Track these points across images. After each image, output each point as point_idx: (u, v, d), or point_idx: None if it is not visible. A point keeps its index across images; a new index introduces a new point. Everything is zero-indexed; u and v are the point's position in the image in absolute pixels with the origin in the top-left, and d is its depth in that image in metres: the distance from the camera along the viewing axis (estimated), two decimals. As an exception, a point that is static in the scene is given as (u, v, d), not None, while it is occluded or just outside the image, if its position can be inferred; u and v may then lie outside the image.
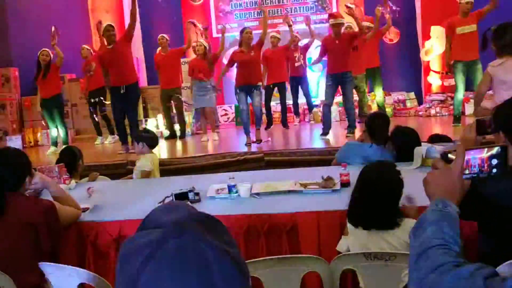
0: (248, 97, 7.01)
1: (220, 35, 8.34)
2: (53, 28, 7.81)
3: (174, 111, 8.82)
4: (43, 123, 8.67)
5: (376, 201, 2.29)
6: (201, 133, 8.44)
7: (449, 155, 1.27)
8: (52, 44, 7.76)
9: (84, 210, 3.07)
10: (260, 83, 7.04)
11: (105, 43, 7.18)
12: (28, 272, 2.43)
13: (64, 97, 9.12)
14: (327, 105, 7.18)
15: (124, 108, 7.07)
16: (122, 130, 7.29)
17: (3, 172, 2.60)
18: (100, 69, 7.58)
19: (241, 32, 7.02)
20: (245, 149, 6.59)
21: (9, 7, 9.71)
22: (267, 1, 10.85)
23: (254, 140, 6.96)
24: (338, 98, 8.77)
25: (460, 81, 7.02)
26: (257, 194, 3.12)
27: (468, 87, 7.32)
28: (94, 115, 8.71)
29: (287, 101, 8.87)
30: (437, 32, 9.41)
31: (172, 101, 8.67)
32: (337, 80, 7.02)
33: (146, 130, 5.40)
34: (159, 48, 8.87)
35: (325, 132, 7.10)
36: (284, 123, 8.86)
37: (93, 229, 2.94)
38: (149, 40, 9.21)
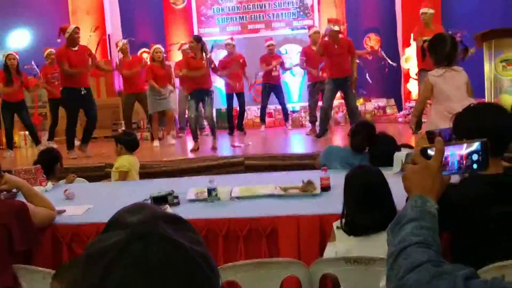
0: (200, 105, 7.14)
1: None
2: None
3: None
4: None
5: (377, 205, 2.29)
6: (162, 137, 8.49)
7: (429, 151, 1.26)
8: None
9: (60, 212, 3.01)
10: (212, 88, 7.16)
11: (69, 45, 6.97)
12: (1, 274, 2.38)
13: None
14: (325, 108, 7.23)
15: (83, 109, 7.08)
16: (73, 134, 7.25)
17: None
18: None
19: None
20: (226, 153, 6.59)
21: None
22: (249, 6, 10.85)
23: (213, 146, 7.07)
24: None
25: None
26: (237, 197, 3.10)
27: None
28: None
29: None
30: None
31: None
32: (338, 85, 7.08)
33: (128, 133, 5.33)
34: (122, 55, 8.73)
35: (320, 134, 7.12)
36: (240, 127, 9.02)
37: (69, 232, 2.88)
38: (130, 45, 9.14)
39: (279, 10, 10.83)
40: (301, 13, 10.78)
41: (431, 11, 7.18)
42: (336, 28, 7.07)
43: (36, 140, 8.09)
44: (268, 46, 9.15)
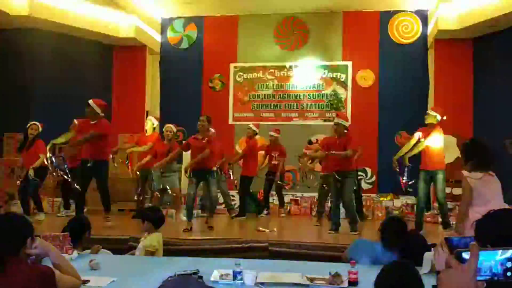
0: (202, 184, 7.30)
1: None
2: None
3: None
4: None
5: None
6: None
7: (463, 254, 1.25)
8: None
9: (85, 282, 3.00)
10: (214, 169, 7.32)
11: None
12: None
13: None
14: (335, 202, 7.20)
15: (90, 179, 7.35)
16: (80, 201, 7.40)
17: (5, 233, 2.60)
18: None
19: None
20: (250, 236, 6.52)
21: (35, 81, 10.27)
22: (284, 95, 11.19)
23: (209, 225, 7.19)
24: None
25: (421, 190, 7.31)
26: (262, 283, 3.05)
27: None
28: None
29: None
30: (448, 142, 9.54)
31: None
32: (337, 178, 7.10)
33: (154, 209, 5.35)
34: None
35: (333, 228, 7.05)
36: (260, 213, 9.14)
37: (91, 303, 2.85)
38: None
39: (313, 101, 11.12)
40: (334, 106, 11.03)
41: (433, 113, 7.34)
42: (343, 123, 7.21)
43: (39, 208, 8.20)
44: (270, 137, 9.39)
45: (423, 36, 10.87)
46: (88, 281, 3.06)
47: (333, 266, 3.46)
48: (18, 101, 10.09)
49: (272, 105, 11.22)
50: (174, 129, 8.57)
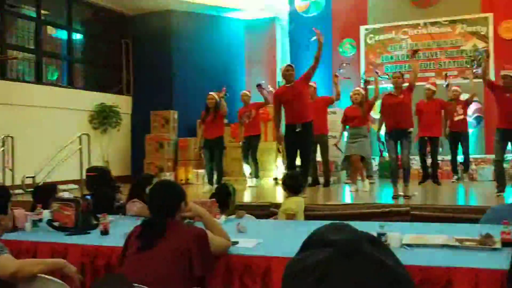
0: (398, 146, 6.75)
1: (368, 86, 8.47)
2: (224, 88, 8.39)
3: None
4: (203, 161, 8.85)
5: None
6: (350, 182, 8.32)
7: None
8: (220, 97, 8.31)
9: (234, 243, 3.18)
10: (411, 129, 6.79)
11: (285, 82, 7.24)
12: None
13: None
14: (499, 161, 6.72)
15: (297, 146, 6.97)
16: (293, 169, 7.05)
17: (163, 198, 2.85)
18: (258, 116, 8.56)
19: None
20: (389, 202, 6.39)
21: (174, 61, 10.83)
22: (419, 55, 10.63)
23: (402, 194, 6.69)
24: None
25: None
26: (408, 245, 2.99)
27: None
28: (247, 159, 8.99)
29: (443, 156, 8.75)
30: None
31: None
32: (508, 135, 6.58)
33: (291, 176, 5.45)
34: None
35: (501, 190, 6.57)
36: (435, 179, 8.37)
37: (241, 263, 3.00)
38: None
39: (451, 58, 10.47)
40: (475, 61, 10.28)
41: None
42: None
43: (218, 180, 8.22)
44: (454, 92, 8.81)
45: None
46: (237, 242, 3.23)
47: (483, 227, 3.28)
48: (160, 81, 10.84)
49: (407, 66, 10.75)
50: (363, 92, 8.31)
